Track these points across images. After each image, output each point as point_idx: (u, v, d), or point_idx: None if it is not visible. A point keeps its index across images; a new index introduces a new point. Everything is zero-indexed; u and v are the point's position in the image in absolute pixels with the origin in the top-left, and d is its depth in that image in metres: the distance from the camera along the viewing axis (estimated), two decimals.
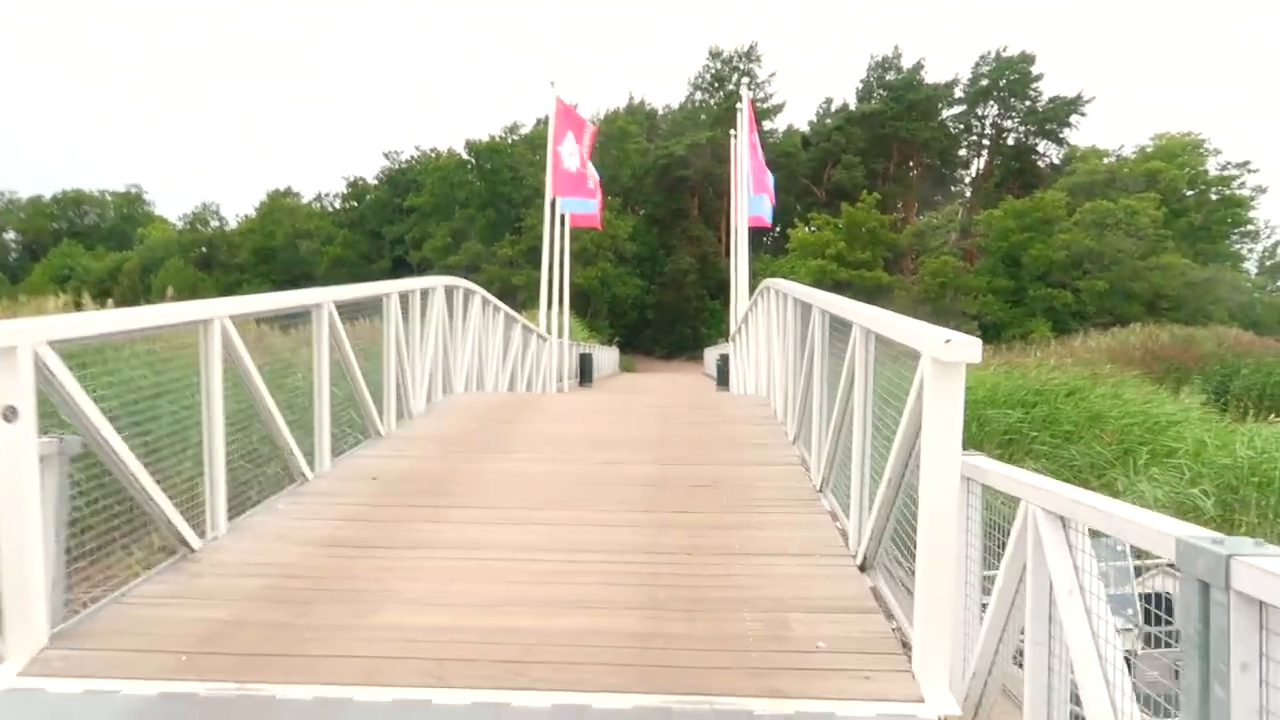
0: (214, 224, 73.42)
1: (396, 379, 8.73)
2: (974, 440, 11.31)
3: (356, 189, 69.27)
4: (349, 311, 7.73)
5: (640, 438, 8.36)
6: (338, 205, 70.16)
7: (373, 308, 8.62)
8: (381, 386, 8.44)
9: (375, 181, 68.66)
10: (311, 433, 6.93)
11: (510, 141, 61.29)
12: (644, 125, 62.92)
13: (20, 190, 78.58)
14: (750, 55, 64.41)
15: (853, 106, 64.65)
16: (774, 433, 8.63)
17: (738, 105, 21.89)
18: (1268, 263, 57.13)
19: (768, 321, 10.61)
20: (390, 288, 8.70)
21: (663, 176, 59.95)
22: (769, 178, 20.31)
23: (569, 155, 18.77)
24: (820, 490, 6.30)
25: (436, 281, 10.37)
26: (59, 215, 79.26)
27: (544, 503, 6.13)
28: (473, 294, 11.58)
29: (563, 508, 6.01)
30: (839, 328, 5.87)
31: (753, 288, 20.68)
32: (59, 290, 59.94)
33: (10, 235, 79.29)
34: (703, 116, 61.88)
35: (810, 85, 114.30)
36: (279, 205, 68.20)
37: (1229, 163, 53.73)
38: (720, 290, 53.21)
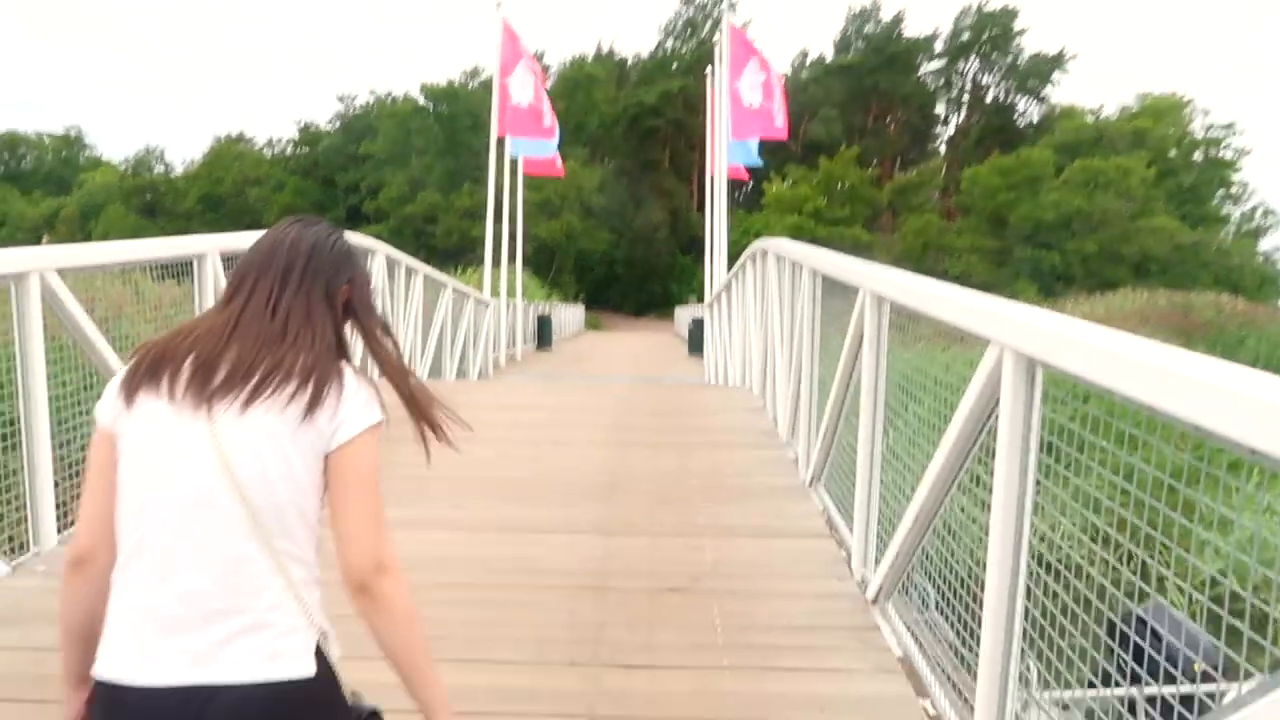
0: (159, 169, 69.64)
1: None
2: None
3: (309, 134, 66.15)
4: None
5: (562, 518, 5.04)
6: (289, 151, 66.71)
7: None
8: None
9: (329, 127, 65.52)
10: None
11: (470, 87, 58.24)
12: (613, 73, 60.22)
13: None
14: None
15: (830, 59, 62.47)
16: (779, 465, 6.43)
17: (714, 40, 19.36)
18: (1245, 226, 55.92)
19: (762, 296, 8.37)
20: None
21: (632, 126, 57.71)
22: (776, 100, 17.03)
23: (519, 87, 16.08)
24: (874, 602, 4.17)
25: (376, 245, 8.98)
26: None
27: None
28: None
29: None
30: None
31: (730, 244, 18.49)
32: None
33: None
34: (675, 65, 59.51)
35: (787, 36, 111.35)
36: (228, 151, 65.14)
37: (1213, 124, 52.61)
38: (692, 245, 51.20)
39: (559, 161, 19.98)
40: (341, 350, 1.57)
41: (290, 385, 1.43)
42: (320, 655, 1.46)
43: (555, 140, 17.69)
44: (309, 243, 1.59)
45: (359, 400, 1.49)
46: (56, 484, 4.64)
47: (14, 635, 3.52)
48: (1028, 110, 61.45)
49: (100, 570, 1.48)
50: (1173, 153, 51.48)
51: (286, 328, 1.50)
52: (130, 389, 1.47)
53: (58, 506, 4.56)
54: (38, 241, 41.60)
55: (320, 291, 1.56)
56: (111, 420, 1.48)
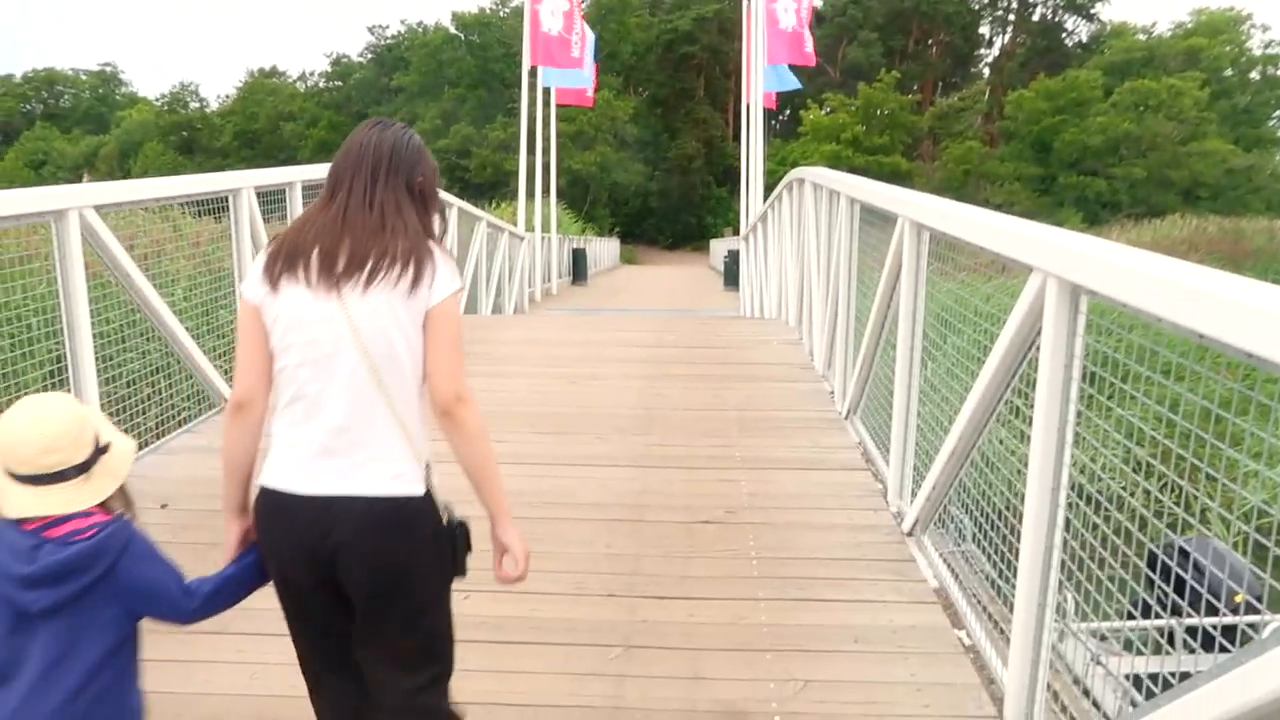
0: (194, 105, 69.65)
1: None
2: None
3: (341, 67, 65.53)
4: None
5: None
6: (322, 85, 66.33)
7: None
8: None
9: (361, 59, 64.84)
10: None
11: (502, 15, 57.22)
12: None
13: None
14: None
15: None
16: (815, 398, 6.40)
17: None
18: None
19: (798, 226, 8.24)
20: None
21: (666, 54, 56.41)
22: (805, 25, 16.38)
23: (550, 14, 15.68)
24: (909, 534, 4.15)
25: None
26: (31, 96, 75.19)
27: None
28: None
29: None
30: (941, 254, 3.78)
31: (765, 174, 18.17)
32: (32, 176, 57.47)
33: None
34: None
35: None
36: (261, 85, 64.88)
37: (1272, 41, 50.25)
38: (728, 176, 50.52)
39: (590, 91, 19.58)
40: (427, 231, 1.94)
41: (396, 268, 1.84)
42: (425, 480, 1.91)
43: (586, 70, 17.27)
44: (389, 144, 1.94)
45: (445, 273, 1.89)
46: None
47: None
48: (1076, 29, 59.12)
49: (255, 414, 1.93)
50: (1228, 72, 49.32)
51: (384, 219, 1.88)
52: (272, 276, 1.88)
53: None
54: (79, 180, 42.05)
55: (403, 185, 1.93)
56: (259, 300, 1.90)
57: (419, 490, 1.90)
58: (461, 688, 2.77)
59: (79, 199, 4.51)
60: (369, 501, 1.85)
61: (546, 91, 19.19)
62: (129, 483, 1.80)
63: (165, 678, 2.84)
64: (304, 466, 1.87)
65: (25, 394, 4.92)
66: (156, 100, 70.63)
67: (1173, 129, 42.35)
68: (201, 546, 3.81)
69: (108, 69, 78.09)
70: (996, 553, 3.16)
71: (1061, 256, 2.45)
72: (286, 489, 1.88)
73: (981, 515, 3.37)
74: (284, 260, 1.88)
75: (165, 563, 1.81)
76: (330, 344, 1.84)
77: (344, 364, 1.84)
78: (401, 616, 1.93)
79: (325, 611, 1.95)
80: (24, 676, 1.66)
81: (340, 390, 1.85)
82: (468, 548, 1.99)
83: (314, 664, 2.04)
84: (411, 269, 1.84)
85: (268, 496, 1.91)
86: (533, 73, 17.15)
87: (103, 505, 1.74)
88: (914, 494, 3.97)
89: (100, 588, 1.69)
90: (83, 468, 1.70)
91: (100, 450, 1.74)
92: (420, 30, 61.20)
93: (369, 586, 1.89)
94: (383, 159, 1.92)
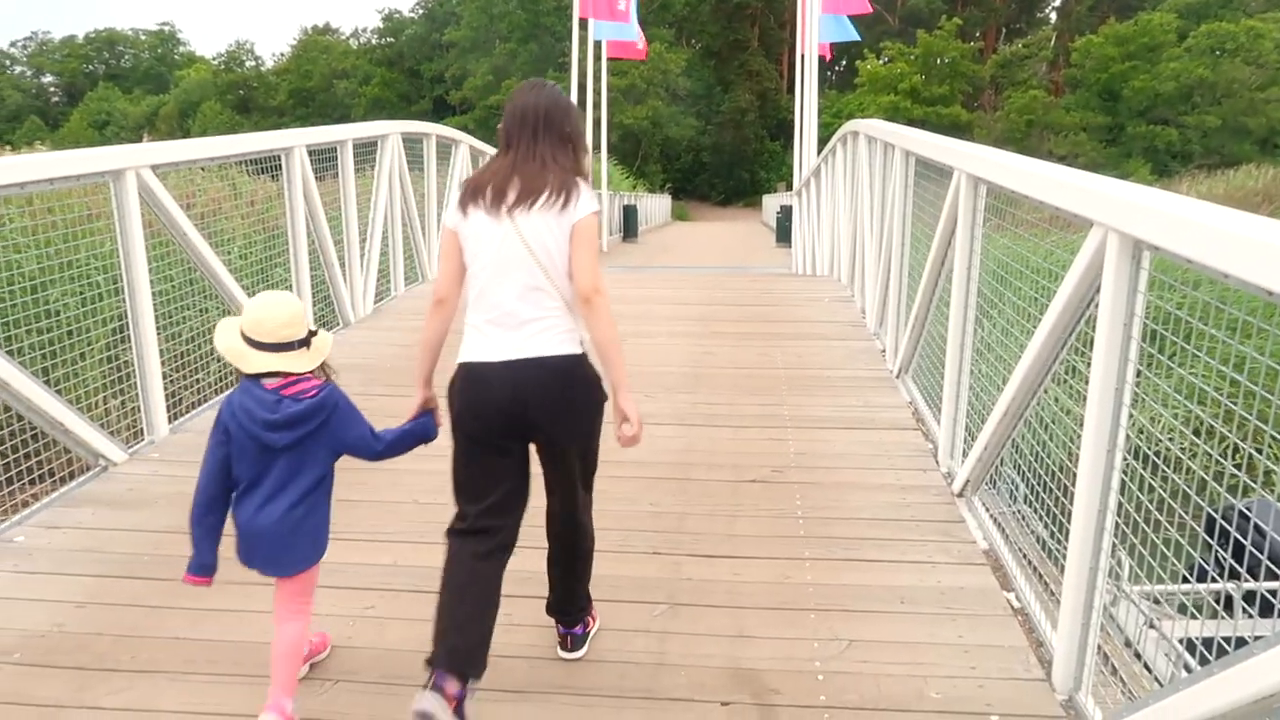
0: (249, 64, 70.35)
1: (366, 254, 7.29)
2: None
3: (393, 23, 65.53)
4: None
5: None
6: (375, 41, 66.48)
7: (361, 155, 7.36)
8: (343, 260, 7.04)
9: (412, 15, 64.74)
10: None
11: None
12: None
13: (53, 30, 75.94)
14: None
15: None
16: (866, 356, 6.33)
17: None
18: None
19: (852, 180, 8.07)
20: (388, 128, 7.80)
21: (720, 4, 55.33)
22: None
23: None
24: (959, 495, 4.09)
25: (430, 129, 8.75)
26: (93, 56, 76.61)
27: None
28: (456, 144, 9.17)
29: None
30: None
31: (820, 128, 17.80)
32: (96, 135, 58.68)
33: (48, 79, 77.13)
34: None
35: None
36: (315, 43, 65.26)
37: None
38: (781, 130, 49.66)
39: (642, 42, 19.26)
40: (576, 169, 2.53)
41: (551, 196, 2.44)
42: (581, 344, 2.52)
43: (631, 24, 16.90)
44: (545, 106, 2.53)
45: (586, 198, 2.49)
46: (165, 376, 4.87)
47: (136, 518, 3.75)
48: None
49: (449, 307, 2.58)
50: None
51: (545, 164, 2.48)
52: (464, 206, 2.50)
53: (168, 398, 4.80)
54: (140, 140, 42.82)
55: (557, 136, 2.52)
56: (455, 225, 2.52)
57: (578, 350, 2.51)
58: (507, 642, 2.82)
59: (135, 159, 4.57)
60: (543, 359, 2.45)
61: (598, 45, 18.93)
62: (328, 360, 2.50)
63: (223, 627, 2.93)
64: (494, 342, 2.46)
65: (91, 350, 5.12)
66: (214, 59, 71.57)
67: (1250, 74, 40.44)
68: None
69: (166, 28, 79.32)
70: (1048, 514, 3.10)
71: (1123, 210, 2.36)
72: (483, 359, 2.46)
73: (1034, 476, 3.31)
74: (470, 195, 2.51)
75: (361, 416, 2.49)
76: (508, 251, 2.44)
77: (518, 266, 2.44)
78: (572, 452, 2.59)
79: (502, 461, 2.51)
80: (264, 489, 2.38)
81: (516, 284, 2.44)
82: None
83: (476, 510, 2.52)
84: (561, 196, 2.44)
85: (468, 368, 2.49)
86: (583, 25, 16.94)
87: (316, 372, 2.43)
88: (965, 454, 3.91)
89: (318, 433, 2.39)
90: (304, 342, 2.40)
91: (312, 334, 2.44)
92: None
93: (551, 423, 2.50)
94: (540, 118, 2.51)
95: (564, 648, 2.77)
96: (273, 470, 2.37)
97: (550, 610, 2.81)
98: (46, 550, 3.47)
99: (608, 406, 2.58)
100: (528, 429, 2.49)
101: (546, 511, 2.69)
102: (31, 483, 4.17)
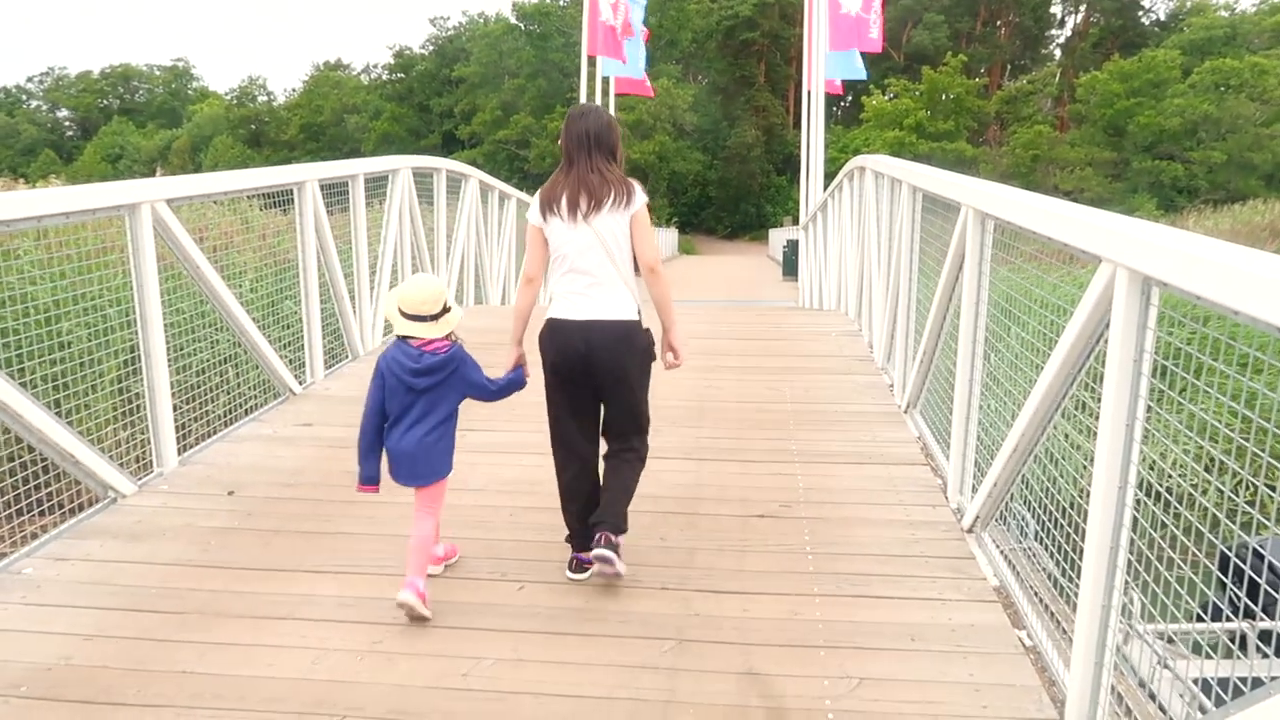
0: (261, 99, 71.21)
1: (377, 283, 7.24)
2: None
3: (403, 59, 66.37)
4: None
5: None
6: (385, 77, 67.30)
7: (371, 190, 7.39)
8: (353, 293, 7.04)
9: (423, 51, 65.59)
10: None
11: (561, 4, 57.30)
12: None
13: (69, 66, 77.10)
14: None
15: None
16: (874, 390, 6.30)
17: None
18: None
19: (859, 215, 8.11)
20: (398, 163, 7.91)
21: (726, 40, 55.98)
22: (874, 9, 16.02)
23: (608, 4, 15.60)
24: (969, 531, 4.07)
25: (440, 163, 8.83)
26: (108, 91, 77.70)
27: None
28: (466, 179, 9.25)
29: None
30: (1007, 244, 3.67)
31: (826, 162, 17.91)
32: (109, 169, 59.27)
33: (64, 113, 78.18)
34: None
35: None
36: (326, 79, 66.11)
37: None
38: (788, 165, 49.95)
39: (648, 81, 19.43)
40: (621, 169, 3.39)
41: (614, 198, 3.29)
42: (639, 312, 3.38)
43: (631, 61, 17.01)
44: (595, 129, 3.34)
45: (639, 195, 3.35)
46: (175, 408, 4.88)
47: (144, 550, 3.74)
48: (1154, 7, 57.25)
49: (536, 285, 3.49)
50: None
51: (603, 175, 3.31)
52: (544, 213, 3.34)
53: (177, 430, 4.81)
54: (152, 173, 43.23)
55: (609, 152, 3.35)
56: (540, 223, 3.37)
57: (636, 317, 3.38)
58: (514, 677, 2.80)
59: (150, 193, 4.62)
60: (608, 322, 3.32)
61: (606, 81, 19.14)
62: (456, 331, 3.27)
63: (230, 661, 2.92)
64: (573, 305, 3.34)
65: (102, 381, 5.14)
66: (226, 94, 72.43)
67: (1255, 110, 40.65)
68: (266, 533, 3.93)
69: (180, 64, 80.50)
70: (1059, 550, 3.08)
71: (1132, 246, 2.36)
72: (565, 317, 3.35)
73: (1044, 512, 3.29)
74: (547, 205, 3.33)
75: (479, 368, 3.31)
76: (583, 243, 3.29)
77: (593, 252, 3.30)
78: (627, 391, 3.40)
79: (579, 391, 3.39)
80: (407, 420, 3.19)
81: (591, 265, 3.30)
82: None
83: (566, 430, 3.45)
84: (623, 196, 3.29)
85: (553, 323, 3.38)
86: (591, 62, 17.13)
87: (447, 337, 3.21)
88: (974, 490, 3.89)
89: (449, 380, 3.21)
90: (437, 316, 3.18)
91: (445, 309, 3.20)
92: (481, 21, 61.86)
93: (610, 373, 3.34)
94: (592, 139, 3.32)
95: (597, 544, 3.29)
96: (414, 407, 3.17)
97: (594, 524, 3.37)
98: (55, 582, 3.46)
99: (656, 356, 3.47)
100: (593, 369, 3.31)
101: (606, 446, 3.50)
102: (41, 514, 4.18)
